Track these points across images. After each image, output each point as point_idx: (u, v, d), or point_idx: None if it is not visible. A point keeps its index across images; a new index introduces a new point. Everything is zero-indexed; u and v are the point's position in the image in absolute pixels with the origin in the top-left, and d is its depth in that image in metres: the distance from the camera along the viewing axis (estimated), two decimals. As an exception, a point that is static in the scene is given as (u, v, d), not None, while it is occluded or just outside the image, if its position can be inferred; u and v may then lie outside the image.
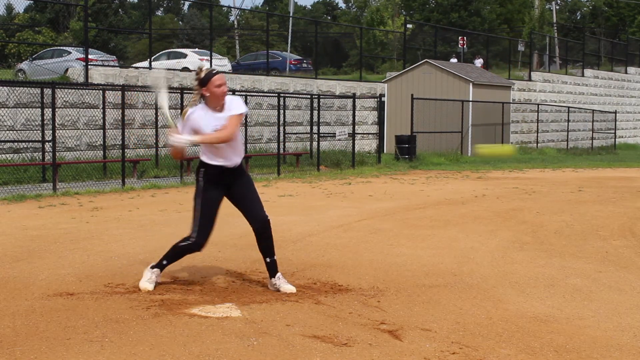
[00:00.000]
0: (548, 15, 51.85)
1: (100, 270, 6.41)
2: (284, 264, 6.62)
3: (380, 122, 25.59)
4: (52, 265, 6.58)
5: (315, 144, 20.85)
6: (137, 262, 6.65)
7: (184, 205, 11.21)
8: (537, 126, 32.27)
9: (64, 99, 17.06)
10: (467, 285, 6.02)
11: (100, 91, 17.33)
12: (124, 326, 4.72)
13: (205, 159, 5.46)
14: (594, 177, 18.07)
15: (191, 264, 6.68)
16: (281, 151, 18.72)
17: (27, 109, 16.43)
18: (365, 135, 25.27)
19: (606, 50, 44.56)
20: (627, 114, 41.87)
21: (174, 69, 22.02)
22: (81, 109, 17.76)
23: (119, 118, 16.37)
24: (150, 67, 21.32)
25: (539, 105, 32.84)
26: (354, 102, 20.82)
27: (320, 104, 21.51)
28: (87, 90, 17.58)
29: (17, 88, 16.32)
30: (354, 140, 20.52)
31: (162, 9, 76.20)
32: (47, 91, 15.06)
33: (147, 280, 5.66)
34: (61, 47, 24.51)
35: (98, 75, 18.75)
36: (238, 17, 59.10)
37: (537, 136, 32.36)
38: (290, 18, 36.48)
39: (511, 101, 30.05)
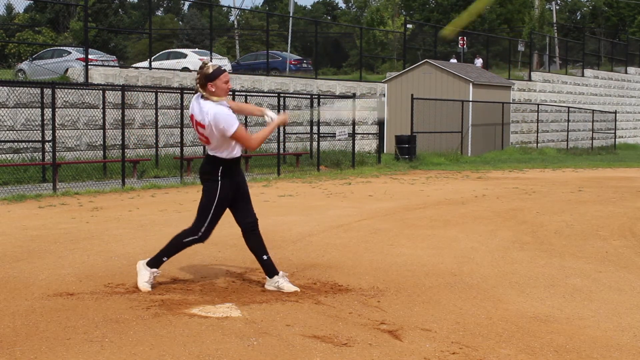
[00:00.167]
0: (548, 15, 51.86)
1: (100, 270, 6.41)
2: (284, 264, 6.62)
3: (380, 122, 25.58)
4: (52, 265, 6.58)
5: (315, 144, 20.85)
6: (137, 262, 6.64)
7: (184, 205, 11.21)
8: (537, 126, 32.27)
9: (64, 99, 17.06)
10: (467, 285, 6.02)
11: (100, 91, 17.33)
12: (124, 326, 4.72)
13: (224, 155, 5.47)
14: (594, 177, 18.07)
15: (191, 264, 6.69)
16: (281, 151, 18.72)
17: (27, 109, 16.43)
18: (365, 135, 25.27)
19: (606, 50, 44.56)
20: (627, 114, 41.88)
21: (174, 69, 22.01)
22: (81, 109, 17.76)
23: (119, 118, 16.38)
24: (150, 67, 21.32)
25: (539, 105, 32.84)
26: (354, 102, 20.80)
27: (320, 104, 21.50)
28: (87, 90, 17.58)
29: (17, 88, 16.32)
30: (354, 140, 20.52)
31: (162, 9, 76.23)
32: (47, 91, 15.06)
33: (147, 281, 5.65)
34: (61, 47, 24.50)
35: (98, 75, 18.75)
36: (238, 17, 59.11)
37: (537, 136, 32.36)
38: (290, 18, 36.48)
39: (511, 101, 30.05)
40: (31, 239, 8.03)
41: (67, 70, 19.44)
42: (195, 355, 4.21)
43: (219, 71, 5.40)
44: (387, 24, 50.02)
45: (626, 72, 43.07)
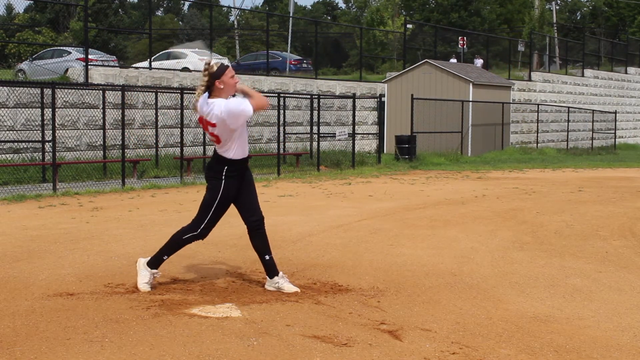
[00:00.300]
0: (548, 15, 51.84)
1: (100, 270, 6.41)
2: (284, 264, 6.63)
3: (380, 122, 25.59)
4: (52, 265, 6.58)
5: (315, 144, 20.85)
6: (137, 260, 6.64)
7: (184, 205, 11.21)
8: (537, 126, 32.27)
9: (64, 99, 17.06)
10: (467, 285, 6.02)
11: (100, 91, 17.33)
12: (124, 326, 4.72)
13: (232, 155, 5.49)
14: (594, 177, 18.07)
15: (191, 264, 6.69)
16: (281, 151, 18.72)
17: (27, 109, 16.43)
18: (365, 135, 25.27)
19: (606, 50, 44.56)
20: (627, 114, 41.88)
21: (174, 69, 22.02)
22: (81, 109, 17.76)
23: (119, 118, 16.38)
24: (150, 67, 21.32)
25: (539, 105, 32.84)
26: (354, 102, 20.83)
27: (320, 104, 21.51)
28: (87, 90, 17.58)
29: (17, 88, 16.32)
30: (354, 140, 20.52)
31: (162, 9, 76.22)
32: (47, 91, 15.07)
33: (147, 282, 5.65)
34: (61, 47, 24.50)
35: (98, 75, 18.75)
36: (238, 17, 59.10)
37: (537, 136, 32.36)
38: (290, 18, 36.48)
39: (511, 101, 30.05)
40: (31, 239, 8.03)
41: (67, 70, 19.44)
42: (195, 355, 4.21)
43: (223, 68, 5.43)
44: (387, 24, 50.02)
45: (626, 72, 43.07)
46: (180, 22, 67.18)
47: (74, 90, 17.19)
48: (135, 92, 18.34)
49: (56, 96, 14.42)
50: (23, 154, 16.52)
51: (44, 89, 15.14)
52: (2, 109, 16.13)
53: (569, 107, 34.58)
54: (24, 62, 23.57)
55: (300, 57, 33.82)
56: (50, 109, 14.16)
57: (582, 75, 38.61)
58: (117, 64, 22.78)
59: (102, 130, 17.00)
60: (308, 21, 47.03)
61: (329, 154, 20.97)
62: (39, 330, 4.64)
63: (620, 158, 28.00)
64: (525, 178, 17.46)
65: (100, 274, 6.25)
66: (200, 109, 5.49)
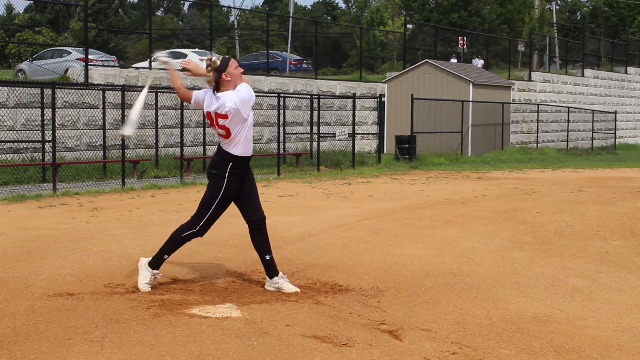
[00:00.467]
0: (548, 15, 51.85)
1: (100, 270, 6.41)
2: (284, 264, 6.63)
3: (380, 122, 25.59)
4: (52, 265, 6.58)
5: (315, 144, 20.85)
6: (137, 262, 6.64)
7: (184, 205, 11.21)
8: (537, 126, 32.27)
9: (64, 99, 17.06)
10: (467, 285, 6.02)
11: (100, 91, 17.33)
12: (124, 326, 4.72)
13: (238, 151, 5.51)
14: (594, 177, 18.07)
15: (191, 263, 6.69)
16: (281, 151, 18.72)
17: (27, 109, 16.43)
18: (365, 135, 25.27)
19: (606, 50, 44.56)
20: (627, 114, 41.88)
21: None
22: (81, 109, 17.76)
23: (119, 118, 16.38)
24: (150, 68, 21.32)
25: (539, 106, 32.84)
26: (354, 102, 20.82)
27: (320, 104, 21.51)
28: (87, 91, 17.58)
29: (17, 88, 16.32)
30: (354, 140, 20.52)
31: (162, 9, 76.21)
32: (47, 91, 15.06)
33: (147, 282, 5.66)
34: (61, 47, 24.49)
35: (98, 75, 18.75)
36: (238, 17, 59.10)
37: (537, 136, 32.36)
38: (290, 18, 36.48)
39: (511, 101, 30.05)
40: (31, 239, 8.03)
41: (67, 70, 19.44)
42: (195, 355, 4.21)
43: (226, 60, 5.48)
44: (387, 24, 50.02)
45: (626, 72, 43.07)
46: (180, 22, 67.18)
47: (74, 90, 17.19)
48: (135, 92, 18.32)
49: (56, 96, 14.42)
50: (23, 154, 16.52)
51: (44, 89, 15.14)
52: (2, 109, 16.13)
53: (569, 107, 34.58)
54: (24, 62, 23.57)
55: (300, 57, 33.82)
56: (50, 109, 14.16)
57: (582, 75, 38.61)
58: (117, 64, 22.78)
59: (102, 130, 17.00)
60: (308, 21, 47.03)
61: (329, 154, 20.97)
62: (39, 330, 4.64)
63: (620, 158, 28.00)
64: (525, 178, 17.46)
65: (100, 274, 6.25)
66: (207, 105, 5.52)
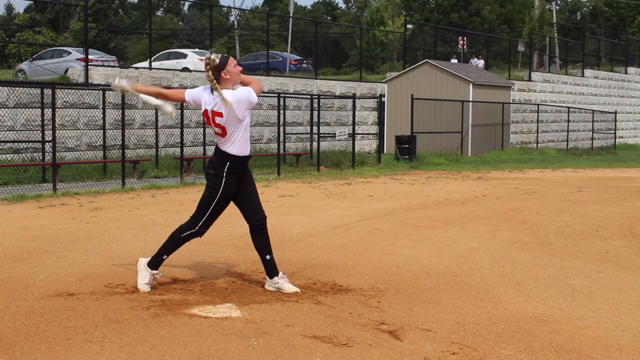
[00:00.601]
0: (548, 15, 51.88)
1: (100, 270, 6.41)
2: (284, 264, 6.63)
3: (380, 122, 25.59)
4: (52, 265, 6.58)
5: (315, 144, 20.85)
6: (138, 259, 6.64)
7: (184, 205, 11.21)
8: (537, 126, 32.27)
9: (64, 99, 17.06)
10: (467, 285, 6.02)
11: (100, 91, 17.33)
12: (124, 326, 4.72)
13: (235, 151, 5.51)
14: (594, 177, 18.08)
15: (191, 264, 6.69)
16: (281, 151, 18.72)
17: (27, 109, 16.44)
18: (365, 135, 25.27)
19: (606, 50, 44.56)
20: (627, 114, 41.88)
21: (174, 69, 22.02)
22: (81, 109, 17.77)
23: (119, 118, 16.38)
24: (150, 68, 21.33)
25: (539, 106, 32.84)
26: (354, 102, 20.83)
27: (320, 104, 21.51)
28: (87, 91, 17.58)
29: (17, 88, 16.32)
30: (354, 140, 20.52)
31: (162, 9, 76.20)
32: (47, 91, 15.07)
33: (146, 283, 5.65)
34: (61, 47, 24.51)
35: (98, 75, 18.76)
36: (238, 17, 59.11)
37: (537, 136, 32.36)
38: (290, 18, 36.49)
39: (511, 101, 30.05)
40: (31, 239, 8.03)
41: (67, 70, 19.45)
42: (195, 355, 4.21)
43: (225, 58, 5.48)
44: (387, 24, 50.02)
45: (626, 72, 43.06)
46: (180, 22, 67.17)
47: (74, 90, 17.19)
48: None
49: (56, 96, 14.42)
50: (23, 154, 16.52)
51: (44, 89, 15.14)
52: (2, 109, 16.13)
53: (569, 107, 34.58)
54: (24, 62, 23.57)
55: (300, 57, 33.83)
56: (50, 109, 14.16)
57: (582, 76, 38.61)
58: (117, 64, 22.79)
59: (102, 131, 17.00)
60: (308, 21, 47.03)
61: (329, 154, 20.97)
62: (39, 330, 4.64)
63: (620, 158, 28.00)
64: (525, 178, 17.46)
65: (100, 274, 6.25)
66: (205, 103, 5.52)
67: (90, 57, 19.73)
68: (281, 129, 19.39)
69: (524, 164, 23.03)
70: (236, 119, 5.42)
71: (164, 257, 5.71)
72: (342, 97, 24.35)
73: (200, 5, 52.32)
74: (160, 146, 18.07)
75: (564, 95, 36.51)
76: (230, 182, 5.54)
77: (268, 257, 5.71)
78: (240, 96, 5.40)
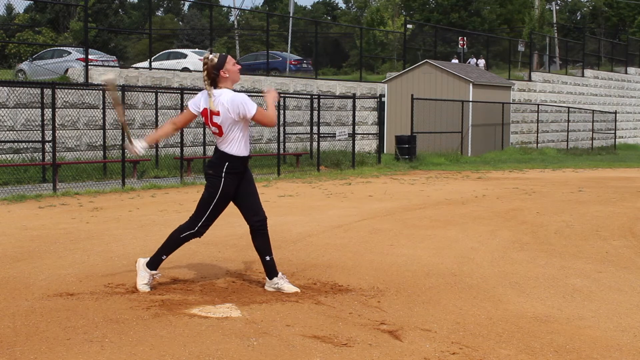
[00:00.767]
0: (548, 15, 51.88)
1: (100, 270, 6.41)
2: (284, 264, 6.63)
3: (380, 122, 25.58)
4: (52, 265, 6.58)
5: (315, 144, 20.85)
6: (137, 260, 6.64)
7: (184, 205, 11.21)
8: (537, 126, 32.27)
9: (64, 99, 17.07)
10: (467, 286, 6.02)
11: (100, 91, 17.33)
12: (124, 326, 4.72)
13: (233, 151, 5.51)
14: (594, 177, 18.08)
15: (191, 264, 6.69)
16: (281, 151, 18.72)
17: (27, 109, 16.44)
18: (365, 135, 25.27)
19: (606, 50, 44.56)
20: (627, 114, 41.88)
21: (174, 69, 22.02)
22: (81, 109, 17.77)
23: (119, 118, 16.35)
24: (150, 68, 21.33)
25: (539, 106, 32.85)
26: (354, 102, 20.83)
27: (320, 104, 21.51)
28: (87, 91, 17.58)
29: (17, 88, 16.32)
30: (354, 140, 20.52)
31: (162, 9, 76.20)
32: (47, 91, 15.07)
33: (146, 283, 5.65)
34: (61, 48, 24.51)
35: (98, 75, 18.76)
36: (238, 17, 59.10)
37: (537, 136, 32.36)
38: (290, 18, 36.48)
39: (511, 101, 30.05)
40: (31, 239, 8.03)
41: (67, 70, 19.45)
42: (195, 355, 4.20)
43: (224, 57, 5.49)
44: (387, 24, 50.02)
45: (626, 72, 43.07)
46: (180, 22, 67.17)
47: (74, 90, 17.19)
48: (136, 92, 18.34)
49: (56, 96, 14.42)
50: (23, 154, 16.52)
51: (44, 89, 15.14)
52: (2, 109, 16.13)
53: (569, 107, 34.58)
54: (24, 62, 23.58)
55: (300, 57, 33.82)
56: (50, 109, 14.16)
57: (582, 76, 38.61)
58: (117, 64, 22.80)
59: (102, 131, 17.00)
60: (308, 21, 47.03)
61: (329, 154, 20.97)
62: (39, 330, 4.64)
63: (621, 158, 28.00)
64: (525, 178, 17.46)
65: (100, 274, 6.25)
66: (203, 103, 5.52)
67: (90, 57, 19.73)
68: (281, 129, 19.39)
69: (524, 164, 23.03)
70: (232, 119, 5.42)
71: (163, 258, 5.70)
72: (342, 97, 24.35)
73: (200, 5, 52.32)
74: (160, 146, 18.07)
75: (564, 95, 36.51)
76: (229, 182, 5.54)
77: (268, 258, 5.71)
78: (236, 98, 5.39)
